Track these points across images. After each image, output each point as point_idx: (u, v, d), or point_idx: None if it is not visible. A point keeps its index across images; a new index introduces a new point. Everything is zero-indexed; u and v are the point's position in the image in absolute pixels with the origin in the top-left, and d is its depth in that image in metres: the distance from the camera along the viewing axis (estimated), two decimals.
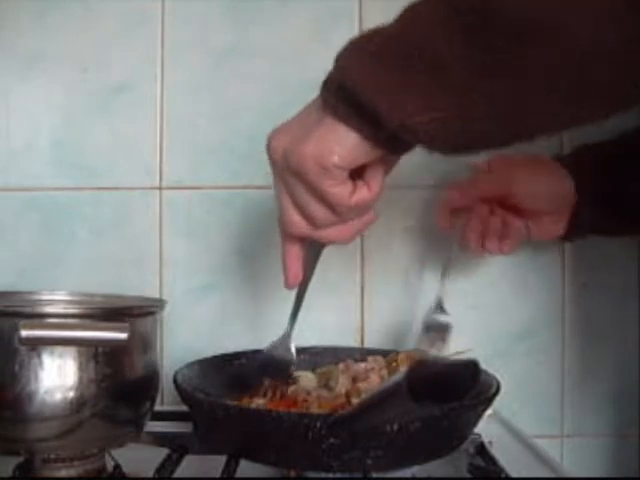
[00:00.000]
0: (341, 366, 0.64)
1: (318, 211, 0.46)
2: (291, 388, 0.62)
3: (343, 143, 0.42)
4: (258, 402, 0.60)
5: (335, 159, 0.42)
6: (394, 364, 0.63)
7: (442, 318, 0.67)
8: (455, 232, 0.68)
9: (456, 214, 0.68)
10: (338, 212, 0.46)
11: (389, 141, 0.42)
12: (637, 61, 0.35)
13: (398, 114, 0.39)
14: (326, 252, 0.79)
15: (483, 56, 0.36)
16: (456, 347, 0.78)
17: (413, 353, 0.64)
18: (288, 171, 0.45)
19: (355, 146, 0.42)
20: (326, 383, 0.62)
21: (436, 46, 0.37)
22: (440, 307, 0.68)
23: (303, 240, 0.51)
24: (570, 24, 0.34)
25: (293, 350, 0.62)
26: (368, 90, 0.39)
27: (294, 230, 0.48)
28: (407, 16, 0.40)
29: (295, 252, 0.52)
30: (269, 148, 0.47)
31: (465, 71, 0.37)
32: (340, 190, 0.44)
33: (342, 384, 0.61)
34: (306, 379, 0.63)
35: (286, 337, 0.61)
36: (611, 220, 0.67)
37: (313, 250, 0.53)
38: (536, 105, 0.38)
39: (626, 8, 0.33)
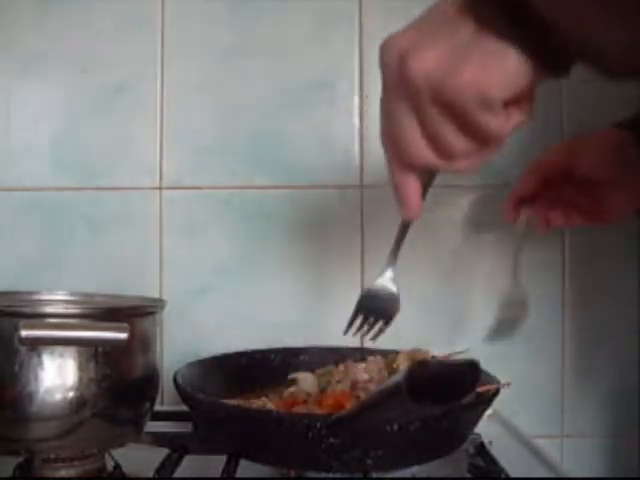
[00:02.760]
0: (341, 367, 0.64)
1: (460, 143, 0.40)
2: (289, 389, 0.62)
3: (507, 67, 0.36)
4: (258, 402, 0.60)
5: (499, 90, 0.36)
6: (394, 365, 0.63)
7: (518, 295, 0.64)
8: (520, 222, 0.64)
9: (521, 205, 0.63)
10: (486, 144, 0.40)
11: (558, 62, 0.36)
12: None
13: (582, 32, 0.33)
14: (326, 252, 0.80)
15: None
16: (457, 347, 0.79)
17: (413, 353, 0.64)
18: (429, 99, 0.38)
19: (519, 69, 0.36)
20: (326, 386, 0.62)
21: None
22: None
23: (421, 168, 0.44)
24: None
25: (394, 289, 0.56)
26: (544, 2, 0.34)
27: (419, 161, 0.42)
28: None
29: (414, 181, 0.44)
30: (387, 56, 0.41)
31: None
32: (499, 122, 0.38)
33: (342, 387, 0.61)
34: (305, 381, 0.63)
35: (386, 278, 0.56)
36: None
37: (426, 178, 0.46)
38: None
39: None
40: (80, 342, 0.49)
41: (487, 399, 0.54)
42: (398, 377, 0.37)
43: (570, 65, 0.37)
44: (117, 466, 0.54)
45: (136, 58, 0.80)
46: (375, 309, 0.56)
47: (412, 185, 0.44)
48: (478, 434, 0.61)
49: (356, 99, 0.79)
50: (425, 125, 0.40)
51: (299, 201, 0.79)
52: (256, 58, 0.80)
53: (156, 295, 0.79)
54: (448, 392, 0.37)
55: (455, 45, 0.37)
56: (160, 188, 0.80)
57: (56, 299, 0.63)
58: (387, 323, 0.57)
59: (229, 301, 0.80)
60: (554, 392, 0.80)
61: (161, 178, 0.80)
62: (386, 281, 0.56)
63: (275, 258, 0.80)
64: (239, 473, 0.53)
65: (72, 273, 0.80)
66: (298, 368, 0.68)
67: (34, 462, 0.51)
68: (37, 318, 0.49)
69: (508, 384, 0.57)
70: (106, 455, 0.55)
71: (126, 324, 0.48)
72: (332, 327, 0.79)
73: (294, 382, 0.63)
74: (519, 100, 0.38)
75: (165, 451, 0.58)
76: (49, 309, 0.54)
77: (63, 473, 0.52)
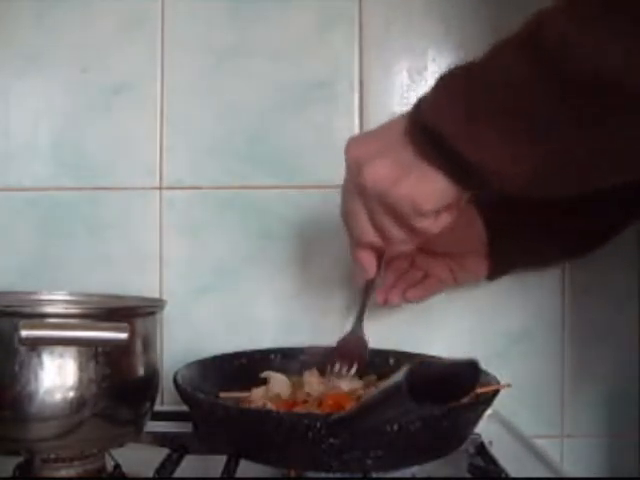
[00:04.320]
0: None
1: (398, 234, 0.50)
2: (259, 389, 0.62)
3: (437, 188, 0.45)
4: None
5: (430, 204, 0.46)
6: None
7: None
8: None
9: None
10: (419, 236, 0.50)
11: (478, 184, 0.44)
12: None
13: (494, 165, 0.41)
14: (326, 252, 0.80)
15: (577, 112, 0.38)
16: (456, 347, 0.79)
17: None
18: (376, 200, 0.48)
19: (447, 190, 0.45)
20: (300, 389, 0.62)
21: (531, 100, 0.39)
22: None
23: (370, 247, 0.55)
24: None
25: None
26: (464, 143, 0.41)
27: (366, 242, 0.53)
28: (496, 64, 0.41)
29: (367, 253, 0.55)
30: (349, 160, 0.50)
31: (560, 124, 0.39)
32: (427, 223, 0.48)
33: (316, 389, 0.61)
34: (277, 384, 0.63)
35: (356, 330, 0.65)
36: (528, 252, 0.68)
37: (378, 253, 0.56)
38: (620, 162, 0.40)
39: None
40: (80, 342, 0.49)
41: (487, 399, 0.54)
42: (398, 377, 0.37)
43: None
44: (117, 466, 0.54)
45: (136, 58, 0.80)
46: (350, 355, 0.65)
47: (365, 256, 0.55)
48: (478, 434, 0.61)
49: (356, 99, 0.79)
50: (372, 218, 0.50)
51: (299, 201, 0.79)
52: (256, 58, 0.80)
53: (156, 295, 0.79)
54: (448, 392, 0.37)
55: (399, 163, 0.46)
56: (160, 188, 0.80)
57: (56, 299, 0.63)
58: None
59: (229, 301, 0.80)
60: (554, 392, 0.80)
61: (161, 178, 0.80)
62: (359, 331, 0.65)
63: (275, 258, 0.80)
64: (239, 473, 0.53)
65: (72, 273, 0.80)
66: (298, 368, 0.68)
67: (34, 462, 0.51)
68: (37, 318, 0.49)
69: (508, 385, 0.57)
70: (106, 455, 0.55)
71: (126, 324, 0.48)
72: (332, 327, 0.79)
73: (265, 381, 0.63)
74: (447, 208, 0.48)
75: (165, 451, 0.58)
76: (49, 309, 0.54)
77: (63, 473, 0.52)
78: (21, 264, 0.80)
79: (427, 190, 0.45)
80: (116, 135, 0.80)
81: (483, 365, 0.39)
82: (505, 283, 0.79)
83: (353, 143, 0.50)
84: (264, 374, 0.64)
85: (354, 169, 0.49)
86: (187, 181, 0.80)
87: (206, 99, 0.80)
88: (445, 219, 0.49)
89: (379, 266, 0.57)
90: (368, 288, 0.63)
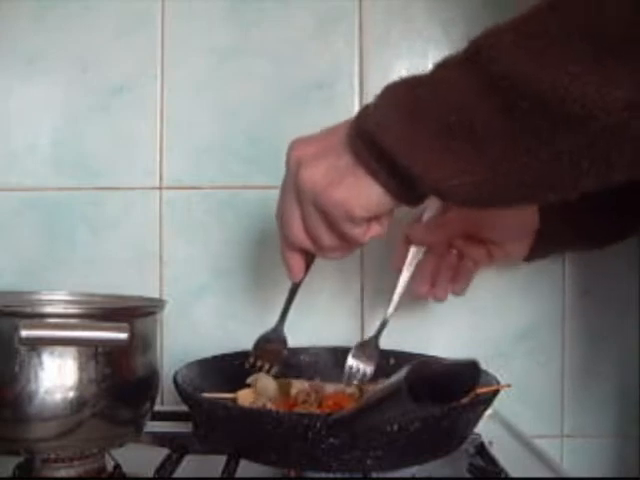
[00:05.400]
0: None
1: (328, 240, 0.50)
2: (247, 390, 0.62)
3: (371, 196, 0.45)
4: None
5: (361, 211, 0.46)
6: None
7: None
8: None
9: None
10: (348, 245, 0.51)
11: (413, 197, 0.45)
12: None
13: (433, 178, 0.41)
14: None
15: (518, 131, 0.38)
16: (456, 347, 0.79)
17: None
18: (310, 202, 0.48)
19: (380, 199, 0.45)
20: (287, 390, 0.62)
21: (473, 116, 0.39)
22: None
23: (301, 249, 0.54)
24: (599, 115, 0.35)
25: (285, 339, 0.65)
26: (404, 153, 0.41)
27: (297, 243, 0.52)
28: (442, 78, 0.42)
29: (296, 255, 0.55)
30: (290, 159, 0.50)
31: (500, 142, 0.39)
32: (358, 231, 0.48)
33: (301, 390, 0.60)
34: (265, 388, 0.62)
35: (278, 330, 0.65)
36: (577, 236, 0.67)
37: (309, 257, 0.56)
38: (562, 178, 0.39)
39: None
40: (80, 342, 0.49)
41: (487, 399, 0.54)
42: (398, 377, 0.37)
43: (423, 198, 0.46)
44: (117, 466, 0.54)
45: (136, 58, 0.80)
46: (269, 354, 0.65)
47: (294, 258, 0.55)
48: (478, 434, 0.61)
49: (356, 99, 0.79)
50: (304, 220, 0.50)
51: None
52: (256, 58, 0.80)
53: (156, 295, 0.79)
54: (448, 392, 0.37)
55: (337, 167, 0.46)
56: (160, 188, 0.80)
57: (56, 299, 0.63)
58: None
59: (229, 301, 0.80)
60: (554, 392, 0.80)
61: (161, 178, 0.80)
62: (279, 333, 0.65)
63: (275, 258, 0.80)
64: (239, 473, 0.53)
65: (72, 273, 0.80)
66: (298, 368, 0.68)
67: (34, 462, 0.51)
68: (37, 318, 0.49)
69: (508, 385, 0.57)
70: (106, 455, 0.55)
71: (126, 324, 0.48)
72: (331, 327, 0.79)
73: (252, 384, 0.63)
74: (379, 217, 0.48)
75: (165, 451, 0.58)
76: (49, 309, 0.54)
77: (63, 473, 0.52)
78: (21, 264, 0.80)
79: (361, 197, 0.45)
80: (116, 135, 0.80)
81: (483, 365, 0.39)
82: (505, 283, 0.80)
83: (297, 143, 0.50)
84: (249, 379, 0.64)
85: (293, 169, 0.49)
86: (187, 181, 0.80)
87: (206, 99, 0.80)
88: (375, 230, 0.49)
89: (307, 269, 0.57)
90: (294, 290, 0.62)
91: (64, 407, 0.49)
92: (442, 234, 0.66)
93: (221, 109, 0.80)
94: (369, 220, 0.48)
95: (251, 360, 0.64)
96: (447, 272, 0.67)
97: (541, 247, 0.67)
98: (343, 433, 0.46)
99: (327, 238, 0.50)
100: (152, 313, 0.58)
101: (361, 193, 0.45)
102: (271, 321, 0.81)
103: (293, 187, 0.49)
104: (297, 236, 0.51)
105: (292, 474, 0.54)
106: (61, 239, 0.80)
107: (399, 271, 0.65)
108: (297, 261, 0.55)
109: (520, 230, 0.66)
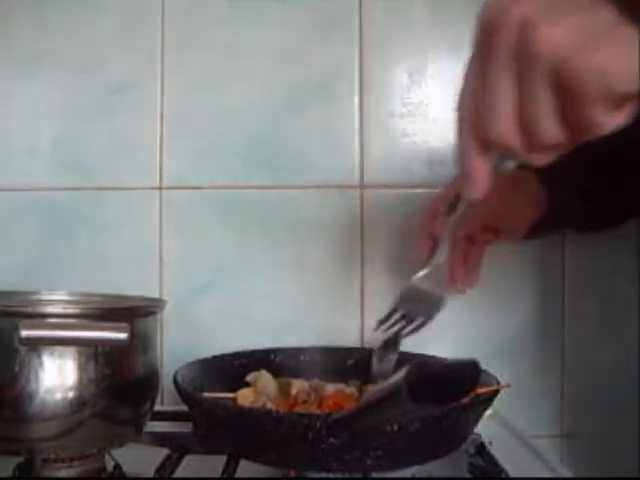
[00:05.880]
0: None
1: (553, 132, 0.36)
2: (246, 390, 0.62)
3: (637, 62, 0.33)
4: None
5: (626, 84, 0.33)
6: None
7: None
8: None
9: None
10: (576, 139, 0.37)
11: None
12: None
13: None
14: (326, 252, 0.80)
15: None
16: (456, 347, 0.79)
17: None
18: (546, 74, 0.34)
19: None
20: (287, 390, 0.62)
21: None
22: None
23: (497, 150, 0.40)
24: None
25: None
26: None
27: (500, 141, 0.38)
28: None
29: (488, 162, 0.40)
30: (509, 18, 0.35)
31: None
32: (606, 119, 0.35)
33: (301, 390, 0.60)
34: (265, 387, 0.62)
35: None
36: (581, 216, 0.66)
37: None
38: None
39: None
40: (80, 342, 0.49)
41: (487, 399, 0.54)
42: (398, 377, 0.37)
43: None
44: (117, 466, 0.54)
45: (136, 58, 0.80)
46: (415, 307, 0.59)
47: (484, 162, 0.40)
48: (478, 434, 0.61)
49: (356, 99, 0.79)
50: (524, 104, 0.35)
51: (299, 201, 0.79)
52: (256, 58, 0.80)
53: (156, 295, 0.79)
54: (448, 392, 0.37)
55: (589, 24, 0.33)
56: (160, 188, 0.80)
57: (56, 299, 0.63)
58: (425, 323, 0.59)
59: (229, 301, 0.80)
60: (554, 392, 0.80)
61: (161, 178, 0.80)
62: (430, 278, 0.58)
63: (275, 258, 0.80)
64: (239, 473, 0.53)
65: (72, 273, 0.80)
66: (298, 368, 0.68)
67: (34, 462, 0.51)
68: (37, 318, 0.49)
69: (508, 385, 0.57)
70: (106, 455, 0.55)
71: (126, 324, 0.48)
72: (332, 327, 0.79)
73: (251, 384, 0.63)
74: (627, 100, 0.35)
75: (165, 451, 0.58)
76: (49, 309, 0.54)
77: (63, 473, 0.52)
78: (21, 264, 0.80)
79: (627, 63, 0.33)
80: (116, 135, 0.80)
81: (483, 365, 0.39)
82: (505, 283, 0.79)
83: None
84: (249, 377, 0.64)
85: (515, 31, 0.35)
86: (187, 181, 0.80)
87: (206, 99, 0.80)
88: (620, 118, 0.35)
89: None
90: (468, 209, 0.51)
91: (64, 407, 0.49)
92: (473, 225, 0.65)
93: (221, 109, 0.80)
94: (623, 100, 0.34)
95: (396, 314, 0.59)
96: (460, 260, 0.67)
97: (543, 227, 0.67)
98: (343, 433, 0.46)
99: (552, 130, 0.36)
100: (152, 313, 0.58)
101: (628, 57, 0.33)
102: (271, 321, 0.81)
103: (510, 58, 0.35)
104: (504, 128, 0.37)
105: (292, 474, 0.54)
106: (61, 239, 0.80)
107: (421, 264, 0.62)
108: (486, 168, 0.40)
109: (528, 217, 0.66)
